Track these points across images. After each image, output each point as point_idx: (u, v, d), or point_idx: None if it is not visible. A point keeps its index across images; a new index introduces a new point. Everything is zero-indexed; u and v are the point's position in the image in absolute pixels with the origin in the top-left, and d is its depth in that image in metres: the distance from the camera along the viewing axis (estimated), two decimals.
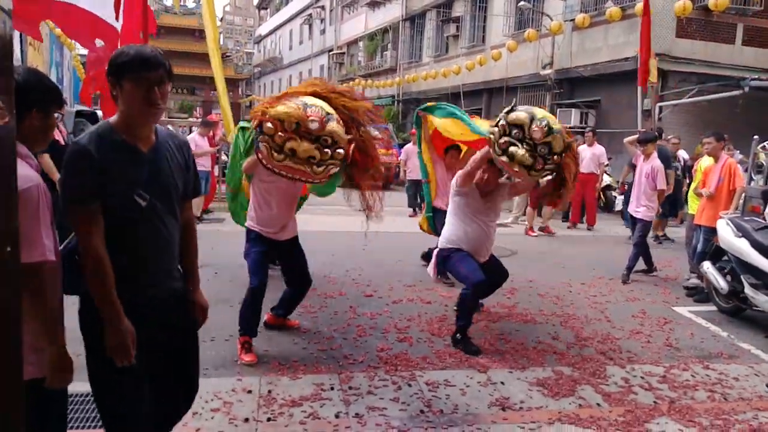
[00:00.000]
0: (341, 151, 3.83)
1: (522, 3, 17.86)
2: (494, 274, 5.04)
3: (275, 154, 3.79)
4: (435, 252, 5.18)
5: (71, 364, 2.08)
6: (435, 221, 6.81)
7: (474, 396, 3.95)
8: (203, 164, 9.80)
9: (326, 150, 3.78)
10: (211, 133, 11.01)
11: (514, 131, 4.42)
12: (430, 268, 5.18)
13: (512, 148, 4.39)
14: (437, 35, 25.09)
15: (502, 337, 5.10)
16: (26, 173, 1.95)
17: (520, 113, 4.42)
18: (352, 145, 3.95)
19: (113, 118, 2.27)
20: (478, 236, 4.96)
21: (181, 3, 52.40)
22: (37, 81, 2.12)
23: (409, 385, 4.05)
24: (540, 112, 4.46)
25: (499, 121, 4.55)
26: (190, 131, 14.71)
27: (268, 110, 3.79)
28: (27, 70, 2.15)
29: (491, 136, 4.58)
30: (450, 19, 23.80)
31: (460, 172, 5.03)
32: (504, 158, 4.44)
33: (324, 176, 3.90)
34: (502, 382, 4.18)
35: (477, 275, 4.74)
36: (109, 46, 4.12)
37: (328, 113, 3.79)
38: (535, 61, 18.05)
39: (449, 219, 5.12)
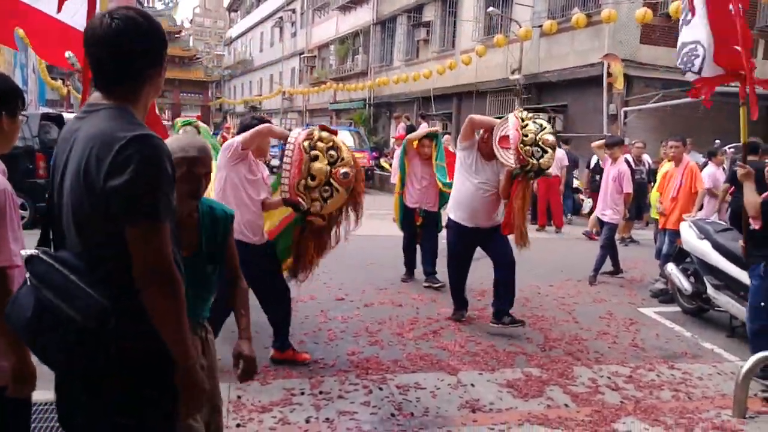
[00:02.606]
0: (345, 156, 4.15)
1: (491, 9, 18.06)
2: (498, 254, 5.48)
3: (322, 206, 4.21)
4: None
5: (34, 372, 2.03)
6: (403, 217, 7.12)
7: (444, 398, 3.97)
8: None
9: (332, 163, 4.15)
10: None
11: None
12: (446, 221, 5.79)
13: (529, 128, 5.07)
14: (408, 39, 25.18)
15: (472, 339, 5.14)
16: None
17: (550, 137, 5.10)
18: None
19: (130, 108, 1.70)
20: (470, 195, 5.32)
21: (149, 5, 51.79)
22: (4, 83, 2.08)
23: (380, 389, 4.06)
24: (552, 138, 5.15)
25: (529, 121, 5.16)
26: None
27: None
28: None
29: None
30: (420, 23, 23.91)
31: (463, 127, 5.38)
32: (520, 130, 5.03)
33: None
34: (472, 384, 4.21)
35: (455, 258, 5.58)
36: (80, 55, 3.97)
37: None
38: (504, 66, 18.23)
39: (454, 177, 5.62)
